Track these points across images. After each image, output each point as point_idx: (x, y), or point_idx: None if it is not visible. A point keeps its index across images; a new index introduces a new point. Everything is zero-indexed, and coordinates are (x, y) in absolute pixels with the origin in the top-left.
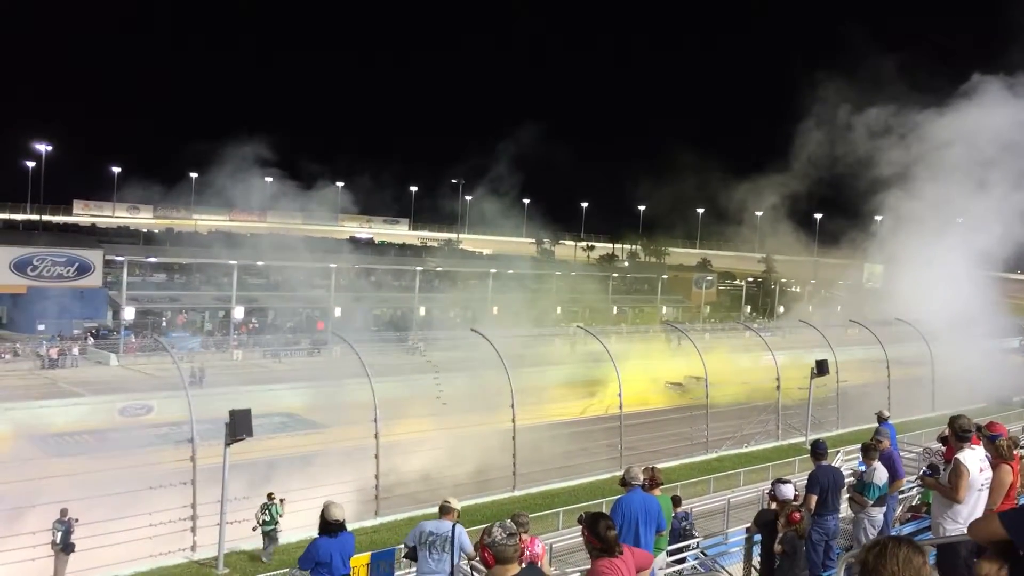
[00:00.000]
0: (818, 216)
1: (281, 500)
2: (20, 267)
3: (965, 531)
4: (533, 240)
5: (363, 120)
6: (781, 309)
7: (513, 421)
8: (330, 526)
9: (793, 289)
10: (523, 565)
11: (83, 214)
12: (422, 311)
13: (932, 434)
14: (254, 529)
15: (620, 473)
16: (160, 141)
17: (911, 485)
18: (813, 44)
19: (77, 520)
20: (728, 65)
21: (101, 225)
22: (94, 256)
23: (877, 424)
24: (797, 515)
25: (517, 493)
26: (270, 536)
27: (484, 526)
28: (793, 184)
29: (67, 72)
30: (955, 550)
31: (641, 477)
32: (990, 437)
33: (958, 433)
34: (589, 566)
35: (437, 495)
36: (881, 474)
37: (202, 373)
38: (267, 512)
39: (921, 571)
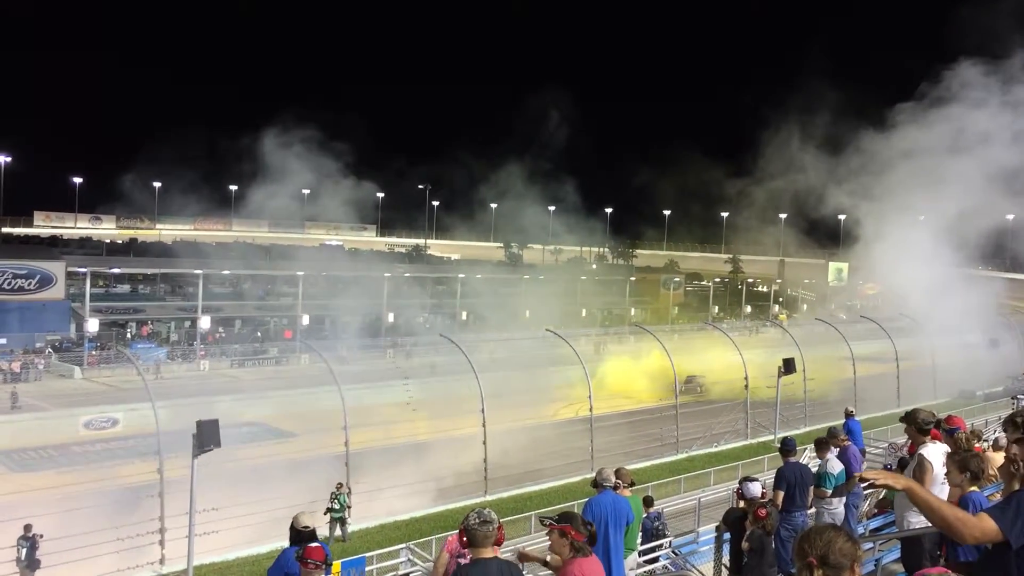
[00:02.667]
0: (783, 216)
1: (348, 490)
2: None
3: (928, 523)
4: (501, 244)
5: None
6: (748, 309)
7: (483, 426)
8: (300, 535)
9: (760, 288)
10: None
11: (44, 225)
12: (391, 318)
13: (898, 429)
14: (325, 513)
15: (592, 475)
16: (122, 151)
17: None
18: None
19: (42, 536)
20: (698, 66)
21: (63, 236)
22: (56, 268)
23: (844, 420)
24: (763, 511)
25: (489, 497)
26: (341, 522)
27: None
28: (761, 186)
29: (26, 82)
30: (919, 542)
31: (613, 479)
32: (949, 431)
33: (919, 427)
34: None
35: (408, 503)
36: (834, 464)
37: (15, 398)
38: (336, 500)
39: (832, 541)
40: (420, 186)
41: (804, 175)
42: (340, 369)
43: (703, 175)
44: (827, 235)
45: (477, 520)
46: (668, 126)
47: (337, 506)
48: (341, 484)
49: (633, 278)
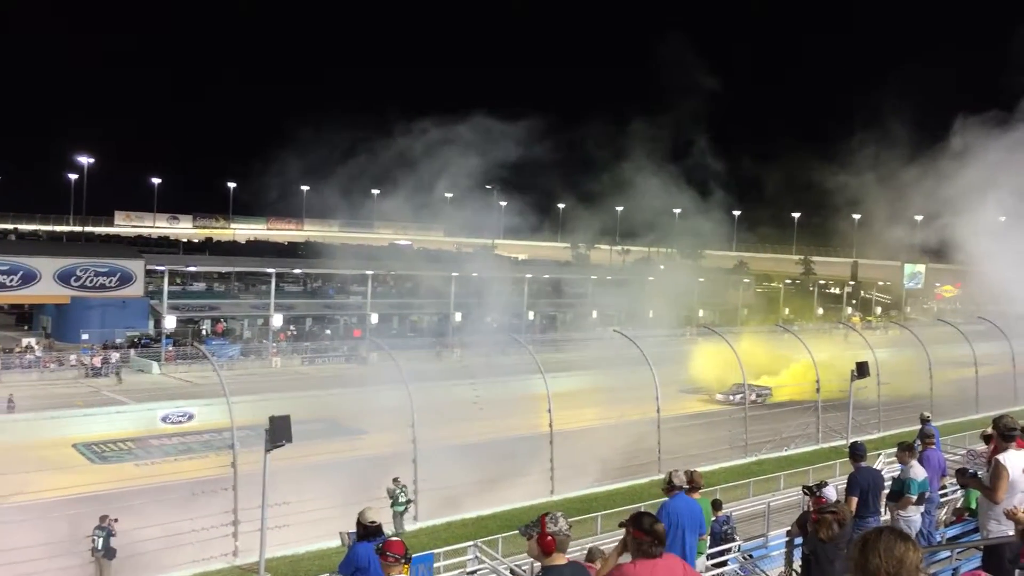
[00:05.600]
0: (856, 216)
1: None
2: (64, 278)
3: (1008, 532)
4: (568, 245)
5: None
6: (820, 311)
7: (550, 426)
8: (368, 531)
9: (832, 291)
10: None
11: (124, 225)
12: (458, 317)
13: (976, 436)
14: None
15: (658, 477)
16: (199, 152)
17: (954, 488)
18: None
19: (116, 520)
20: (783, 67)
21: (143, 236)
22: (135, 266)
23: (921, 426)
24: (815, 515)
25: (555, 498)
26: (402, 515)
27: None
28: (836, 185)
29: (107, 86)
30: (999, 551)
31: (686, 482)
32: None
33: (1003, 432)
34: None
35: (475, 501)
36: (918, 470)
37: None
38: (403, 493)
39: (904, 557)
40: (487, 186)
41: (887, 172)
42: (408, 367)
43: (781, 173)
44: (904, 236)
45: (567, 528)
46: (738, 124)
47: (403, 499)
48: (397, 478)
49: (702, 279)
